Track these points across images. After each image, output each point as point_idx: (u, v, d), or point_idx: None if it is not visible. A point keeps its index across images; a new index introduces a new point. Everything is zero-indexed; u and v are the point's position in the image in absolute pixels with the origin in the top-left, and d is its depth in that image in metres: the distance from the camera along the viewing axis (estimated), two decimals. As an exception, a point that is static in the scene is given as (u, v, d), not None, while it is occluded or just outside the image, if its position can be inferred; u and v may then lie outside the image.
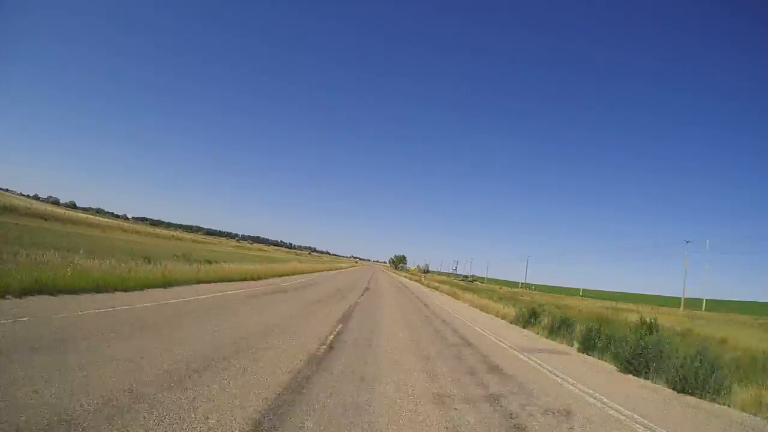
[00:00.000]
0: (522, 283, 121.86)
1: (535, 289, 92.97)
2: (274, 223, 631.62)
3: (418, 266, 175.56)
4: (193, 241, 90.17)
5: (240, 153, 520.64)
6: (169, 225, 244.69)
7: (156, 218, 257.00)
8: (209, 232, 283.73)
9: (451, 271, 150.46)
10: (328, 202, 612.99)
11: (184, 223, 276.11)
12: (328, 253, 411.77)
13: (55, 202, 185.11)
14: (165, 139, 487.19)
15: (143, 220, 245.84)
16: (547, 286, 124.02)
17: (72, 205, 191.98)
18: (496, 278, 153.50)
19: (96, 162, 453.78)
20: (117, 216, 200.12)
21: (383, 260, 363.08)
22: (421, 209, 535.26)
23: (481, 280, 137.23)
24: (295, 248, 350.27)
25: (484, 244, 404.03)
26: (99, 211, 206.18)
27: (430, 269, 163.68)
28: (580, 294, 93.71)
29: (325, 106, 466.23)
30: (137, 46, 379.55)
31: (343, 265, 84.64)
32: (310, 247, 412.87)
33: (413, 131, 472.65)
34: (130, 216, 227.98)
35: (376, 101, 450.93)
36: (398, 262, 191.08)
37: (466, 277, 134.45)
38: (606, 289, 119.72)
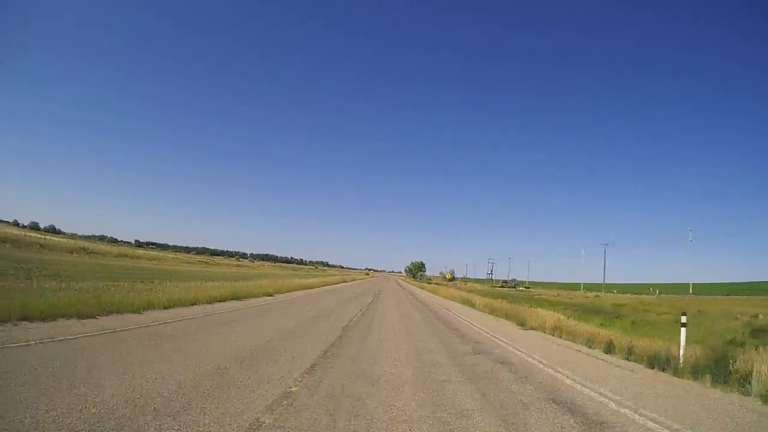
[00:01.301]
0: (584, 286, 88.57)
1: (655, 292, 59.54)
2: (286, 241, 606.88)
3: (441, 273, 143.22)
4: (130, 257, 61.68)
5: (246, 169, 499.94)
6: (166, 247, 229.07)
7: (162, 242, 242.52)
8: (214, 253, 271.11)
9: (486, 276, 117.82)
10: (340, 217, 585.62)
11: (192, 245, 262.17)
12: (341, 267, 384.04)
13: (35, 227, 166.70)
14: (171, 162, 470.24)
15: (150, 244, 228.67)
16: (626, 284, 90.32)
17: (52, 229, 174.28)
18: (541, 281, 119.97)
19: (99, 188, 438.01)
20: (118, 242, 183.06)
21: (399, 270, 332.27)
22: (437, 214, 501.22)
23: (523, 284, 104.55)
24: (306, 264, 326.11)
25: (514, 242, 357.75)
26: (102, 238, 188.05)
27: (456, 276, 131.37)
28: (690, 291, 60.66)
29: (331, 114, 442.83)
30: (132, 56, 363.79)
31: (331, 279, 54.34)
32: (322, 262, 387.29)
33: (424, 134, 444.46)
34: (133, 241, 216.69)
35: (382, 104, 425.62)
36: (416, 270, 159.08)
37: (506, 281, 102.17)
38: (707, 282, 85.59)
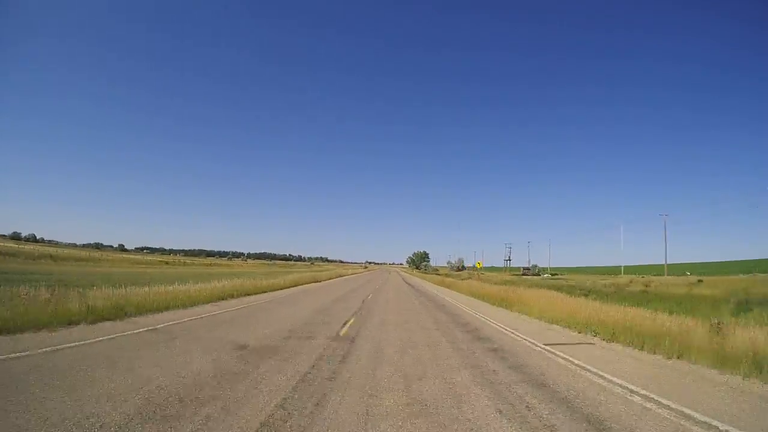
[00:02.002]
0: (624, 269, 72.26)
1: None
2: (286, 240, 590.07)
3: (449, 262, 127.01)
4: (53, 257, 45.72)
5: (245, 172, 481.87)
6: (162, 251, 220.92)
7: (157, 246, 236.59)
8: (210, 254, 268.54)
9: (503, 264, 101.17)
10: (339, 213, 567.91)
11: (188, 248, 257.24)
12: (341, 261, 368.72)
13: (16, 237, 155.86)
14: (163, 167, 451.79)
15: (145, 249, 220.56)
16: (680, 264, 74.05)
17: (32, 239, 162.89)
18: (564, 266, 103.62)
19: (91, 196, 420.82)
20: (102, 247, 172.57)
21: (400, 262, 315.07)
22: (439, 203, 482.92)
23: (545, 270, 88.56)
24: (304, 260, 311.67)
25: (526, 227, 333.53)
26: (97, 246, 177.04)
27: (465, 265, 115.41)
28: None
29: (330, 111, 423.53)
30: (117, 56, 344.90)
31: (306, 275, 37.84)
32: (322, 258, 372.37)
33: (423, 130, 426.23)
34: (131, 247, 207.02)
35: (382, 102, 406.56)
36: (419, 261, 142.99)
37: (528, 268, 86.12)
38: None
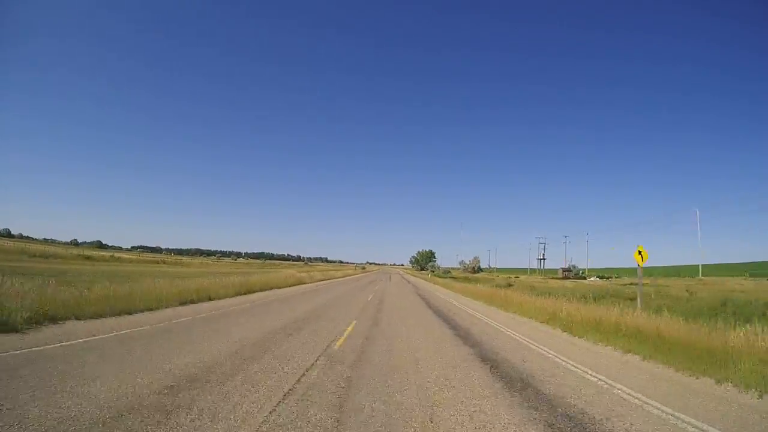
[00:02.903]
0: (702, 270, 53.42)
1: None
2: (285, 239, 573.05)
3: (461, 262, 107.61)
4: None
5: (243, 169, 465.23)
6: (159, 250, 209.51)
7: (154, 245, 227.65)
8: (202, 253, 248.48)
9: (536, 264, 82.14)
10: (341, 213, 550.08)
11: (185, 247, 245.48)
12: (341, 262, 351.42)
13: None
14: (165, 167, 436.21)
15: (141, 248, 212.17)
16: None
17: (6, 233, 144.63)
18: (600, 267, 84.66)
19: (93, 194, 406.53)
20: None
21: (402, 263, 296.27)
22: (441, 200, 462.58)
23: (583, 272, 70.13)
24: (303, 260, 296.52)
25: (545, 223, 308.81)
26: (75, 243, 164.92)
27: (481, 265, 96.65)
28: None
29: (324, 110, 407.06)
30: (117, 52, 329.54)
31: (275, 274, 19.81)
32: (321, 258, 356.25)
33: (424, 128, 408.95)
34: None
35: (382, 102, 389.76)
36: (425, 261, 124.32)
37: (567, 270, 67.71)
38: None
